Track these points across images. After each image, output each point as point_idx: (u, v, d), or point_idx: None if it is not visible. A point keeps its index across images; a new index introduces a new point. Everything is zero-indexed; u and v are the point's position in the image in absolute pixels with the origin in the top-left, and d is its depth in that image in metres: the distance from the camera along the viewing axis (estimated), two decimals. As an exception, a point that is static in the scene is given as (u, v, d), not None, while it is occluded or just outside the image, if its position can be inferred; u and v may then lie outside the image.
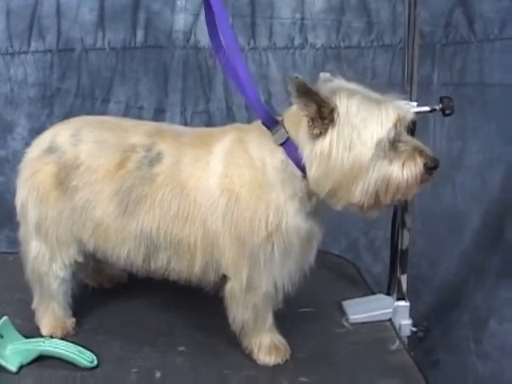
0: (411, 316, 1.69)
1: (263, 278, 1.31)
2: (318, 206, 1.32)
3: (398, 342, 1.49)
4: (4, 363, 1.32)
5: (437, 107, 1.52)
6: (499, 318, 2.39)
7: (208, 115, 2.14)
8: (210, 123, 2.13)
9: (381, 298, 1.65)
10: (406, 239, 1.66)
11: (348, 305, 1.60)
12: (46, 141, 1.39)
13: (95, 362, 1.34)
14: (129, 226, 1.32)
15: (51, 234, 1.37)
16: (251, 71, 1.42)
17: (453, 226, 2.24)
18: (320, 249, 1.42)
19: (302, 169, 1.27)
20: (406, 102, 1.29)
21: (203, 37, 2.07)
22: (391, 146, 1.22)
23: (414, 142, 1.26)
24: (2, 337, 1.34)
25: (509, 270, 2.36)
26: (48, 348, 1.35)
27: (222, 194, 1.29)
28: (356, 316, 1.56)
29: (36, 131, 2.01)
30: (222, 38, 1.35)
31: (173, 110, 2.12)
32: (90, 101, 2.07)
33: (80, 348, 1.35)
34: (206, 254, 1.31)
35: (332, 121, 1.21)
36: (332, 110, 1.21)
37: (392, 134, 1.22)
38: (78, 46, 2.03)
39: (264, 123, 1.31)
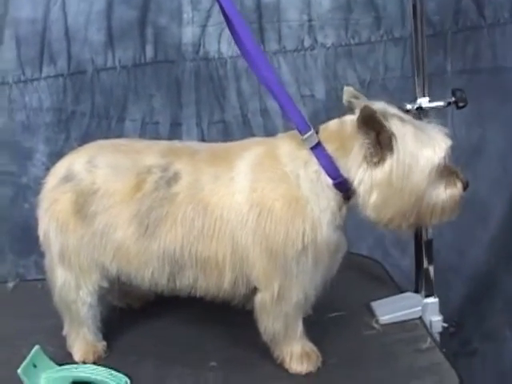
0: (443, 309, 1.68)
1: (295, 288, 1.32)
2: (345, 219, 1.33)
3: (429, 340, 1.48)
4: (39, 393, 1.33)
5: (450, 100, 1.51)
6: (532, 303, 2.38)
7: (224, 124, 2.14)
8: (226, 132, 2.14)
9: (409, 297, 1.64)
10: (430, 229, 1.64)
11: (377, 306, 1.60)
12: (62, 170, 1.40)
13: (128, 385, 1.36)
14: (150, 247, 1.32)
15: (74, 261, 1.38)
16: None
17: (478, 215, 2.23)
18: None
19: (334, 177, 1.28)
20: (444, 128, 1.30)
21: (212, 47, 2.08)
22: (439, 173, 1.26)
23: (448, 164, 1.28)
24: (35, 366, 1.35)
25: (536, 255, 2.35)
26: (81, 374, 1.36)
27: (252, 209, 1.29)
28: (385, 317, 1.55)
29: (55, 156, 2.02)
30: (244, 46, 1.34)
31: (188, 123, 2.12)
32: (106, 121, 2.08)
33: (112, 371, 1.36)
34: (236, 269, 1.32)
35: (391, 148, 1.23)
36: (390, 137, 1.22)
37: (443, 161, 1.25)
38: (90, 68, 2.04)
39: (297, 128, 1.30)
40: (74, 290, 1.41)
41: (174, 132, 2.12)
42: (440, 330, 1.63)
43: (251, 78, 2.09)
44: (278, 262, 1.29)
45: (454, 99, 1.50)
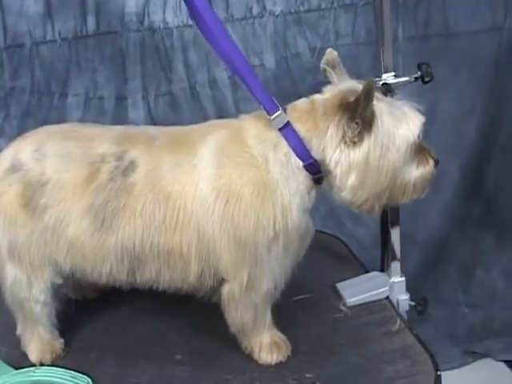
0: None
1: (265, 277, 1.26)
2: (313, 202, 1.28)
3: (398, 321, 1.45)
4: (-4, 400, 1.25)
5: (416, 76, 1.46)
6: (485, 267, 2.42)
7: (171, 97, 2.07)
8: (174, 105, 2.07)
9: (375, 276, 1.61)
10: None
11: (343, 287, 1.56)
12: (7, 159, 1.29)
13: (91, 385, 1.28)
14: (107, 242, 1.24)
15: (24, 258, 1.29)
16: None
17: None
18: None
19: (304, 159, 1.23)
20: (415, 104, 1.26)
21: (157, 17, 1.99)
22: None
23: (420, 141, 1.25)
24: (-11, 372, 1.27)
25: (490, 219, 2.37)
26: (40, 378, 1.27)
27: (219, 197, 1.21)
28: (352, 298, 1.52)
29: (-5, 135, 1.95)
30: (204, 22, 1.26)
31: (134, 97, 2.04)
32: (47, 97, 1.98)
33: (73, 373, 1.28)
34: (202, 260, 1.25)
35: (370, 128, 1.18)
36: (373, 116, 1.18)
37: (417, 139, 1.22)
38: (28, 41, 1.93)
39: (264, 107, 1.24)
40: (26, 287, 1.32)
41: (120, 106, 2.04)
42: (407, 308, 1.61)
43: (199, 49, 2.02)
44: (247, 251, 1.23)
45: (419, 74, 1.46)
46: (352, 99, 1.18)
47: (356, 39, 2.14)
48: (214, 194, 1.22)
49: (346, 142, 1.20)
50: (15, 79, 1.95)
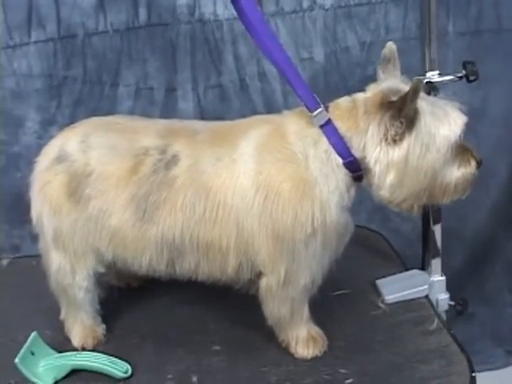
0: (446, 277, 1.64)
1: (302, 272, 1.28)
2: (352, 200, 1.29)
3: (436, 321, 1.45)
4: (38, 381, 1.29)
5: (461, 75, 1.45)
6: (532, 266, 2.37)
7: (221, 89, 2.08)
8: (223, 97, 2.08)
9: (415, 274, 1.60)
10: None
11: (382, 284, 1.56)
12: (54, 149, 1.34)
13: (129, 372, 1.31)
14: (148, 232, 1.27)
15: (68, 246, 1.33)
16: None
17: (480, 179, 2.19)
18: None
19: (344, 156, 1.24)
20: (458, 103, 1.25)
21: (208, 9, 2.01)
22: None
23: (462, 141, 1.25)
24: (33, 354, 1.31)
25: (538, 217, 2.33)
26: (81, 362, 1.32)
27: (258, 192, 1.23)
28: (391, 296, 1.52)
29: (47, 123, 1.99)
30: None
31: (184, 88, 2.05)
32: (99, 86, 2.01)
33: (113, 359, 1.32)
34: (240, 254, 1.27)
35: (412, 127, 1.18)
36: (416, 116, 1.18)
37: (459, 139, 1.21)
38: (80, 32, 1.95)
39: (306, 104, 1.25)
40: (70, 274, 1.36)
41: (169, 97, 2.05)
42: (446, 308, 1.60)
43: (248, 41, 2.02)
44: (285, 246, 1.24)
45: (464, 72, 1.44)
46: (394, 98, 1.18)
47: (407, 34, 2.11)
48: (254, 188, 1.23)
49: (386, 140, 1.20)
50: (68, 69, 1.98)
